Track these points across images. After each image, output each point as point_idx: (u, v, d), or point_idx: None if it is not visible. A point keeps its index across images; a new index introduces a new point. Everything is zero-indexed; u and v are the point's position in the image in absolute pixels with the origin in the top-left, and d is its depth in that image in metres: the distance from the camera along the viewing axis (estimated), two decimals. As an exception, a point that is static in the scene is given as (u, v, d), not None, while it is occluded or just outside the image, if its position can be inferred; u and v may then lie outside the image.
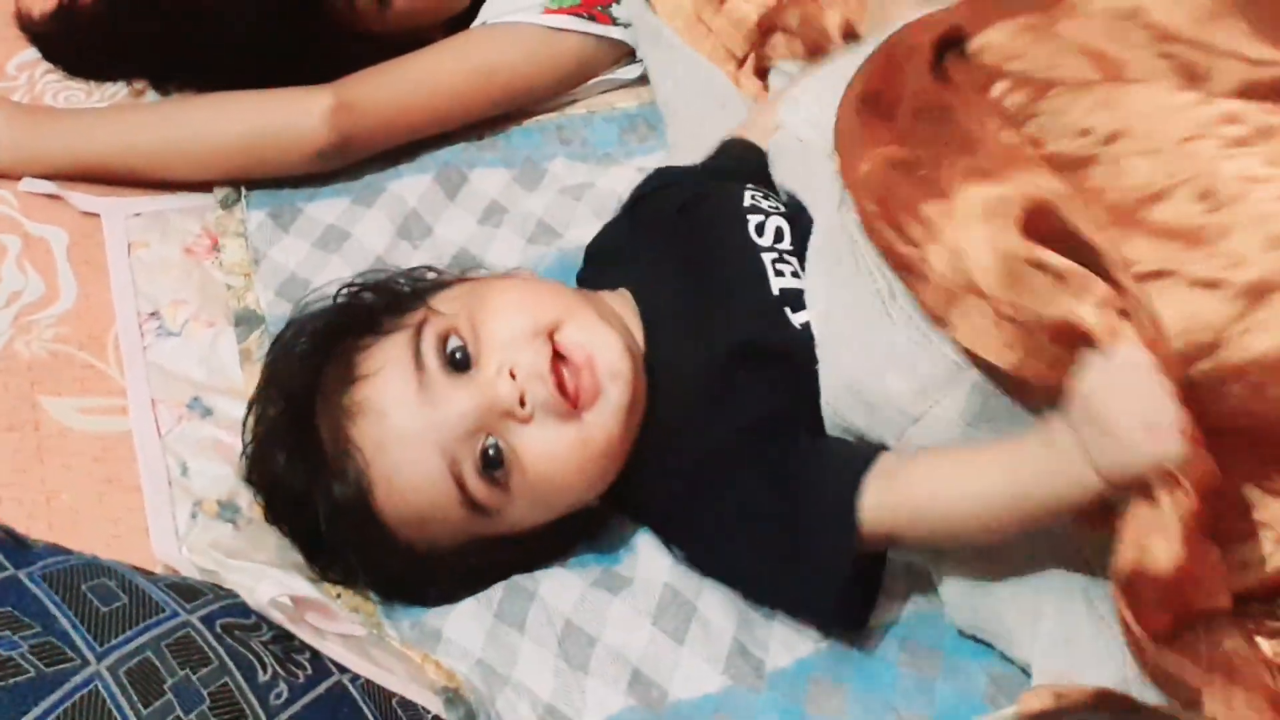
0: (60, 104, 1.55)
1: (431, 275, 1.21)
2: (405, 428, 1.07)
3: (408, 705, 1.04)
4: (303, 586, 1.11)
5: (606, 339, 1.09)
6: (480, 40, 1.53)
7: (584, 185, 1.47)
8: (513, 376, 1.06)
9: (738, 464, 1.07)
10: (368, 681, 1.04)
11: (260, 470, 1.13)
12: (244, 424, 1.16)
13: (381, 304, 1.15)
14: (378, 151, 1.48)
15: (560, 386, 1.07)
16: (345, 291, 1.18)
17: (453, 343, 1.08)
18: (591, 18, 1.53)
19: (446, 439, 1.07)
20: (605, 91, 1.57)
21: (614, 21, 1.54)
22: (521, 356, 1.07)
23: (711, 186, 1.24)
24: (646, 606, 1.12)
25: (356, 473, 1.08)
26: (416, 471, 1.07)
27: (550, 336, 1.08)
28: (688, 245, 1.18)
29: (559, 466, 1.08)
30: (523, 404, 1.06)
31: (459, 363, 1.08)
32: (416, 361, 1.07)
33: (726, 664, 1.08)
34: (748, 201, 1.19)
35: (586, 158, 1.50)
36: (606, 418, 1.08)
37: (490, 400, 1.06)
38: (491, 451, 1.07)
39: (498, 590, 1.14)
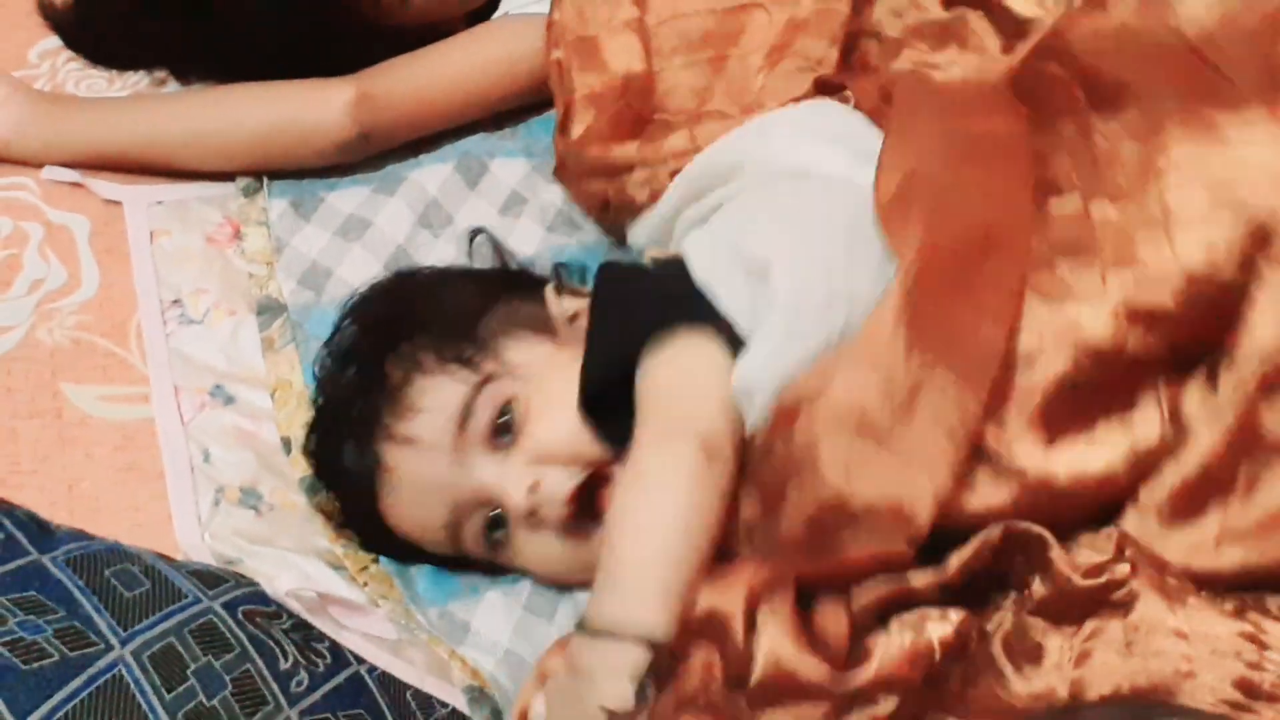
0: (82, 92, 1.55)
1: (517, 300, 1.18)
2: (427, 473, 1.10)
3: (420, 697, 1.05)
4: (328, 579, 1.12)
5: None
6: (501, 32, 1.52)
7: (604, 176, 1.47)
8: (536, 488, 1.07)
9: None
10: (384, 673, 1.04)
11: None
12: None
13: (455, 326, 1.14)
14: (399, 143, 1.48)
15: (575, 499, 1.07)
16: (426, 282, 1.21)
17: (505, 413, 1.09)
18: (611, 8, 1.53)
19: (460, 499, 1.10)
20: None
21: (633, 12, 1.53)
22: (551, 475, 1.07)
23: None
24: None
25: (372, 475, 1.11)
26: (422, 511, 1.11)
27: (589, 472, 1.08)
28: None
29: (552, 565, 1.12)
30: (533, 514, 1.08)
31: (501, 433, 1.09)
32: (464, 416, 1.09)
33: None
34: None
35: (606, 147, 1.49)
36: None
37: (507, 494, 1.08)
38: (494, 527, 1.10)
39: (526, 584, 1.15)
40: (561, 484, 1.07)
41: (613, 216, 1.36)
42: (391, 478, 1.11)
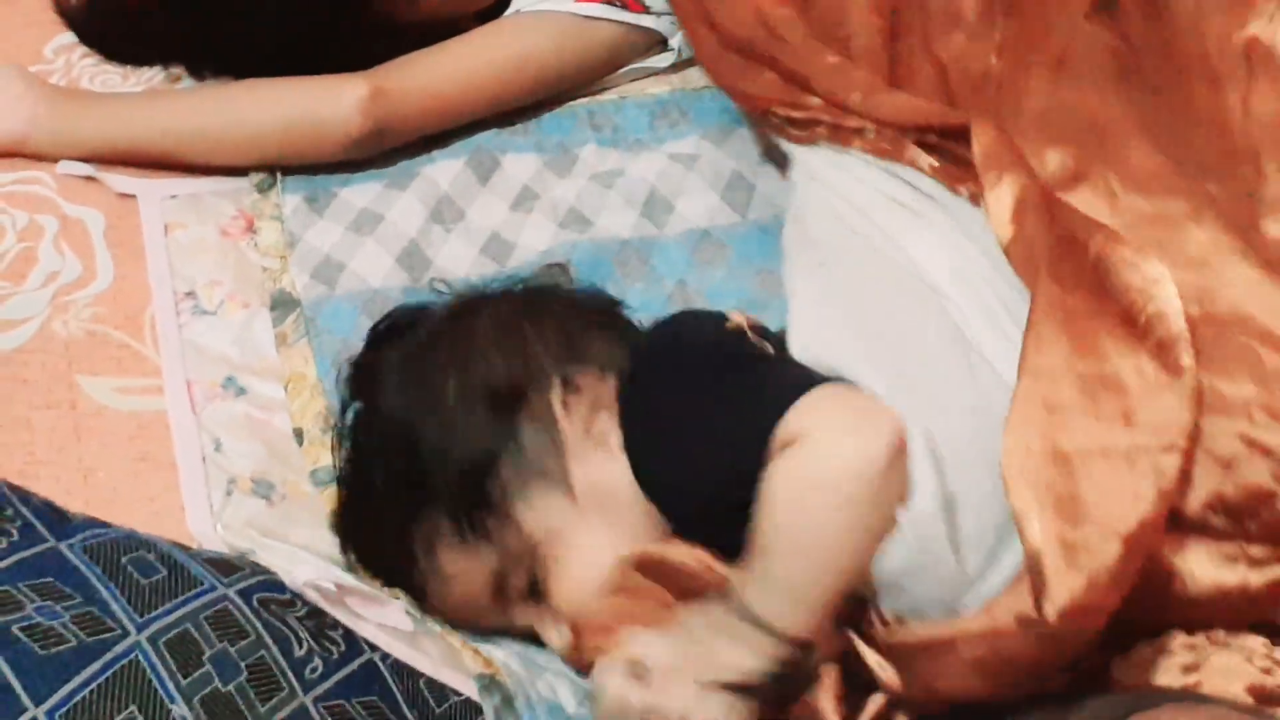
0: (97, 88, 1.56)
1: (526, 428, 1.10)
2: (469, 602, 1.11)
3: (434, 686, 1.05)
4: (342, 573, 1.12)
5: None
6: (513, 29, 1.54)
7: (614, 172, 1.48)
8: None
9: None
10: (397, 661, 1.05)
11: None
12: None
13: (466, 495, 1.09)
14: (412, 139, 1.49)
15: None
16: (427, 428, 1.10)
17: (533, 579, 1.09)
18: (624, 6, 1.54)
19: (503, 626, 1.12)
20: (638, 79, 1.58)
21: (646, 9, 1.54)
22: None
23: None
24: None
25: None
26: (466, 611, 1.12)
27: None
28: None
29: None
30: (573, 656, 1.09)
31: (533, 595, 1.10)
32: (497, 586, 1.09)
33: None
34: None
35: (618, 144, 1.50)
36: None
37: (549, 638, 1.10)
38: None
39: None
40: None
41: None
42: (432, 585, 1.11)
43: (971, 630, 0.94)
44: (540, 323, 1.13)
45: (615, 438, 1.09)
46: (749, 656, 0.96)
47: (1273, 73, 1.16)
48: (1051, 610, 0.89)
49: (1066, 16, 1.26)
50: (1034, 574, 0.91)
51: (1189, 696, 0.85)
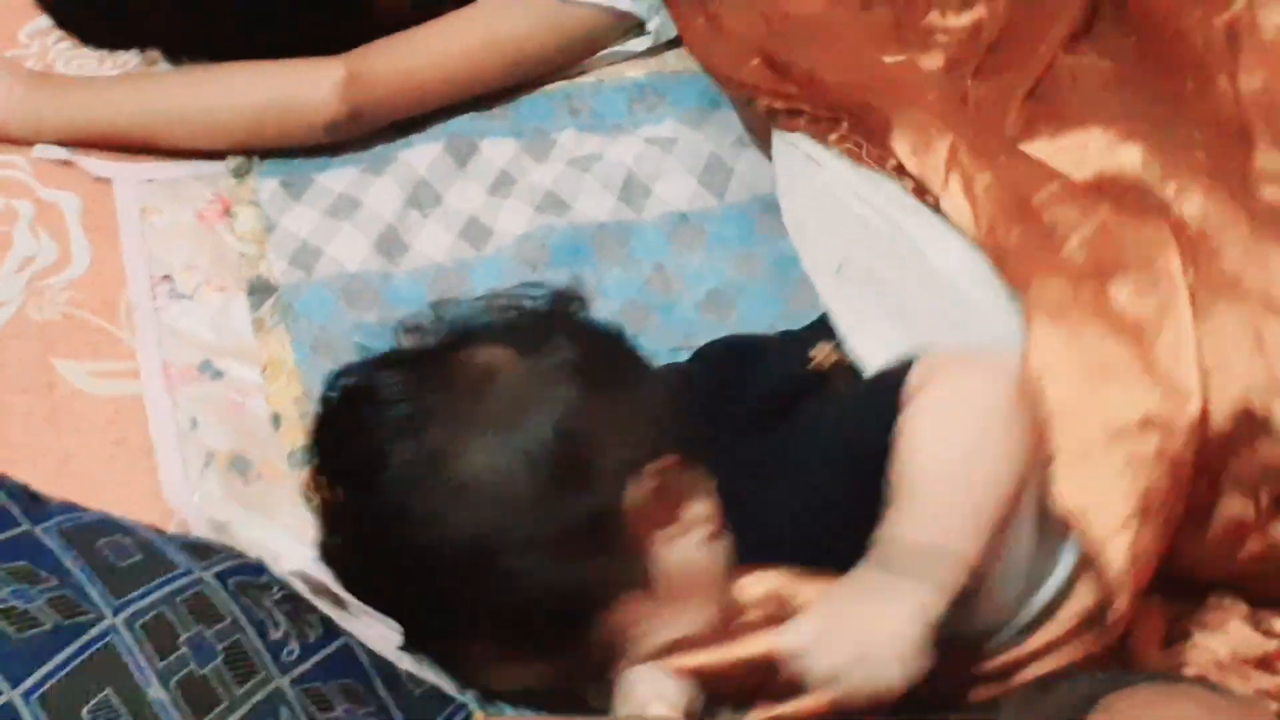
0: (72, 72, 1.54)
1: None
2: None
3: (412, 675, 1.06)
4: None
5: None
6: (490, 12, 1.53)
7: (592, 157, 1.47)
8: None
9: None
10: (375, 644, 1.05)
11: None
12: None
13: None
14: (388, 123, 1.48)
15: None
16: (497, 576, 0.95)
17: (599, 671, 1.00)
18: (600, -12, 1.54)
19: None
20: (615, 62, 1.57)
21: (622, -8, 1.54)
22: None
23: None
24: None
25: None
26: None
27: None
28: None
29: None
30: None
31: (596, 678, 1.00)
32: (554, 681, 1.01)
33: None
34: None
35: (595, 128, 1.50)
36: None
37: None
38: None
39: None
40: None
41: None
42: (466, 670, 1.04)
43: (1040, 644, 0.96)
44: (587, 412, 0.97)
45: (701, 512, 1.01)
46: (908, 622, 0.91)
47: (1254, 45, 1.17)
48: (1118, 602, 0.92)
49: (1048, 48, 1.26)
50: (1098, 569, 0.94)
51: (1166, 676, 0.86)
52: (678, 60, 1.52)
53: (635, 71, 1.56)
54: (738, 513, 1.01)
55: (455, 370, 0.99)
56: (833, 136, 1.24)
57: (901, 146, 1.17)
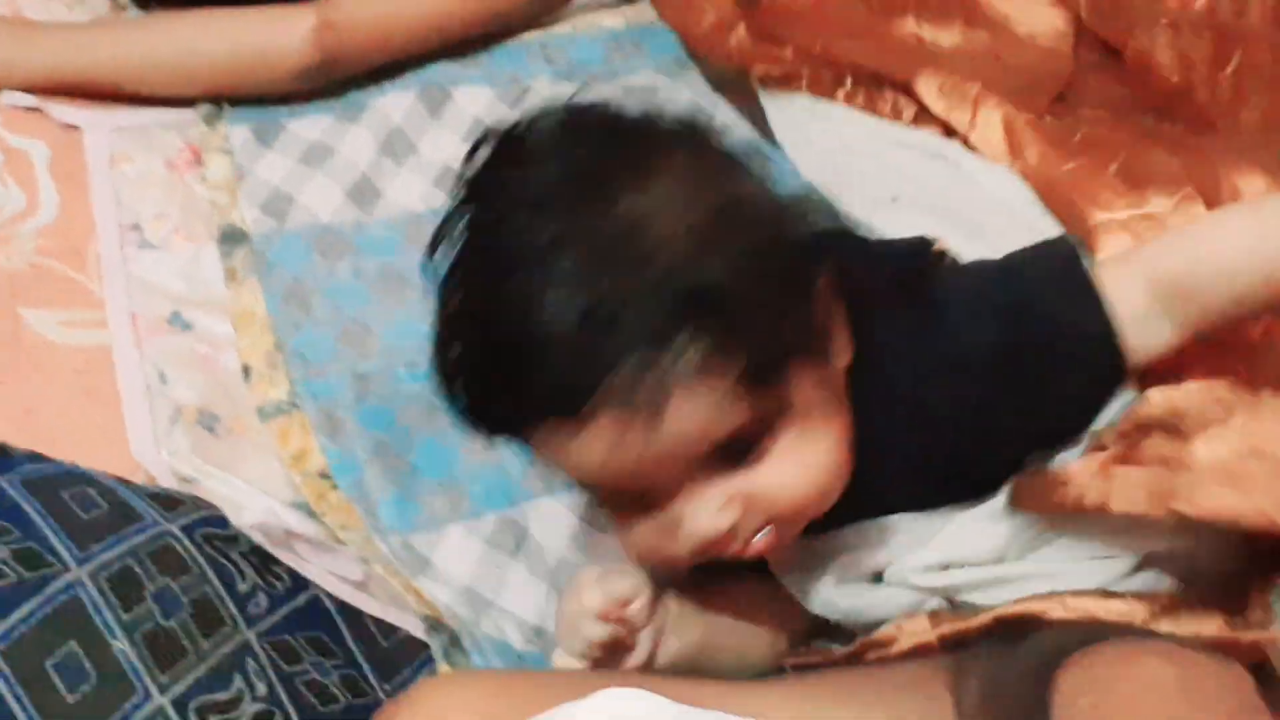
0: (41, 18, 1.52)
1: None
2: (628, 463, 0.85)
3: (380, 621, 1.05)
4: (290, 515, 1.11)
5: None
6: (465, -42, 1.52)
7: (569, 106, 1.46)
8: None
9: None
10: (344, 595, 1.05)
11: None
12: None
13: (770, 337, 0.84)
14: (361, 70, 1.47)
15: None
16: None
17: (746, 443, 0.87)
18: (578, -65, 1.52)
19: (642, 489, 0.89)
20: (591, 11, 1.56)
21: (599, -61, 1.53)
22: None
23: None
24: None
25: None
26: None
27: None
28: None
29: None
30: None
31: (734, 459, 0.86)
32: (720, 447, 0.85)
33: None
34: None
35: (571, 76, 1.49)
36: None
37: (696, 518, 0.87)
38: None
39: (490, 521, 1.15)
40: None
41: None
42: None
43: None
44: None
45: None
46: None
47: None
48: None
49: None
50: None
51: (1135, 632, 0.85)
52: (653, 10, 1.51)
53: (612, 20, 1.55)
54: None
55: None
56: (840, 93, 1.23)
57: (928, 90, 1.16)
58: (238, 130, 1.42)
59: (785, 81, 1.29)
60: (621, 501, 0.89)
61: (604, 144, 0.88)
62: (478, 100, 1.46)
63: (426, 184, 1.39)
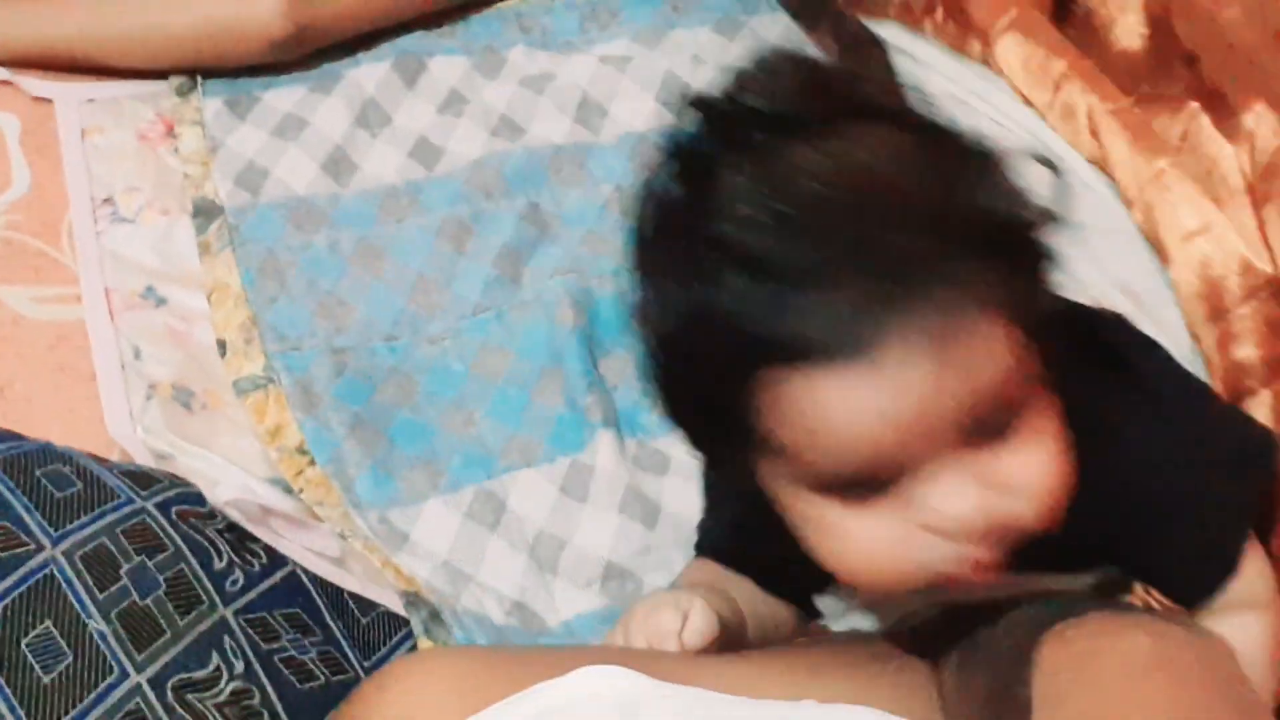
0: (11, -10, 1.51)
1: None
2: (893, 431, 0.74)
3: (359, 597, 1.05)
4: (266, 491, 1.11)
5: None
6: (439, -74, 1.50)
7: (545, 76, 1.45)
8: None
9: None
10: (322, 572, 1.04)
11: None
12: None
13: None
14: (335, 41, 1.46)
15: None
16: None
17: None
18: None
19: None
20: (567, -21, 1.55)
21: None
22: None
23: None
24: (612, 502, 1.13)
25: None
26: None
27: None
28: None
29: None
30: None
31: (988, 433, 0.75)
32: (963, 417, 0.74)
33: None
34: None
35: (547, 46, 1.48)
36: None
37: (944, 496, 0.76)
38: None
39: (468, 495, 1.15)
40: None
41: None
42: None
43: None
44: None
45: None
46: None
47: None
48: None
49: None
50: None
51: (1116, 605, 0.85)
52: (631, -24, 1.50)
53: (588, -12, 1.54)
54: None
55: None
56: (929, 24, 1.21)
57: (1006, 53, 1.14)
58: (211, 102, 1.41)
59: (873, 7, 1.25)
60: (852, 487, 0.76)
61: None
62: (454, 70, 1.45)
63: (401, 155, 1.38)
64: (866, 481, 0.75)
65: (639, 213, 0.79)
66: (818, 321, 0.71)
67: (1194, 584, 0.87)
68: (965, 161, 0.75)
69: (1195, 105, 1.09)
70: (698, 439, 0.82)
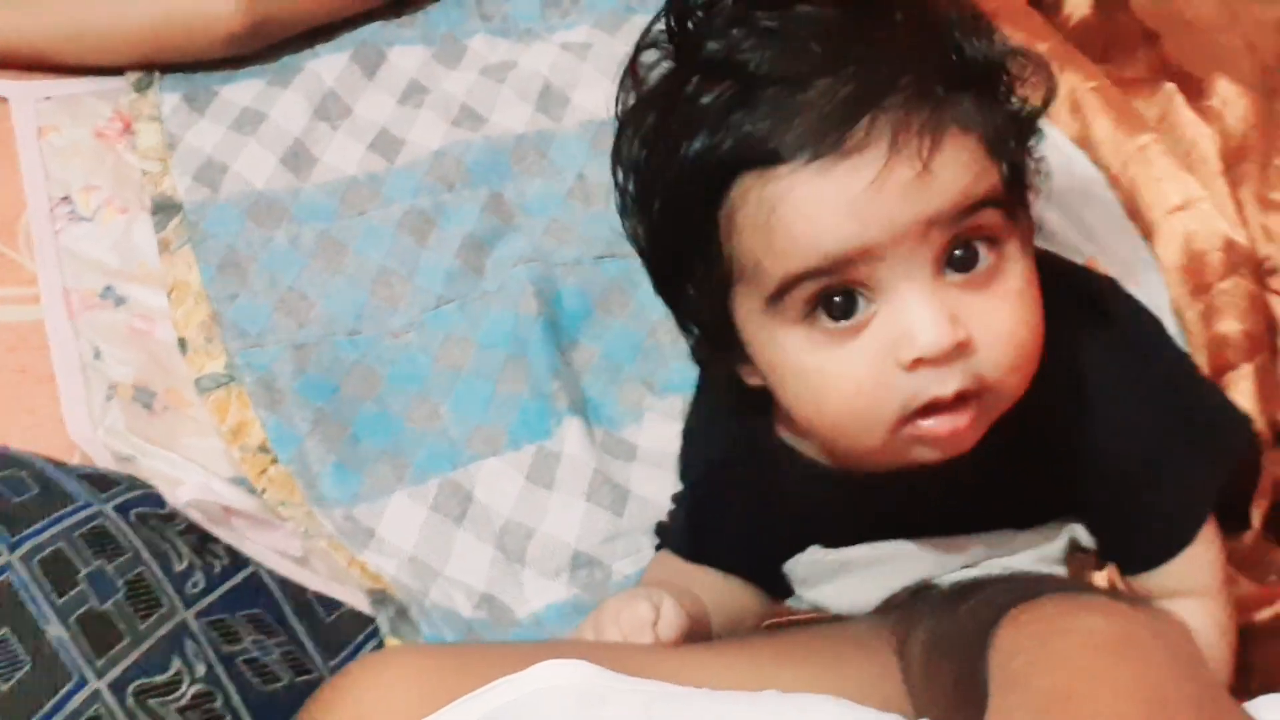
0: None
1: None
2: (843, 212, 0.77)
3: (323, 596, 1.04)
4: (227, 491, 1.10)
5: None
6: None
7: (506, 64, 1.44)
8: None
9: None
10: (284, 571, 1.04)
11: None
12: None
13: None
14: (293, 33, 1.44)
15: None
16: None
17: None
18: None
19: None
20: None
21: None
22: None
23: None
24: (579, 489, 1.13)
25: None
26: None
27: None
28: None
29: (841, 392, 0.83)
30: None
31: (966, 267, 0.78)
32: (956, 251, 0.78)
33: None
34: None
35: (508, 33, 1.47)
36: None
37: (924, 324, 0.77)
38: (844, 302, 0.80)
39: (433, 486, 1.14)
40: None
41: None
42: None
43: None
44: None
45: None
46: None
47: None
48: None
49: None
50: None
51: (1074, 587, 0.85)
52: (589, -38, 1.49)
53: (548, -26, 1.53)
54: None
55: None
56: None
57: None
58: (168, 97, 1.40)
59: None
60: (835, 299, 0.77)
61: None
62: (414, 60, 1.44)
63: (362, 148, 1.37)
64: (836, 288, 0.77)
65: (631, 60, 0.83)
66: (794, 119, 0.75)
67: (1146, 548, 0.89)
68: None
69: (1171, 86, 1.09)
70: (669, 280, 0.84)
